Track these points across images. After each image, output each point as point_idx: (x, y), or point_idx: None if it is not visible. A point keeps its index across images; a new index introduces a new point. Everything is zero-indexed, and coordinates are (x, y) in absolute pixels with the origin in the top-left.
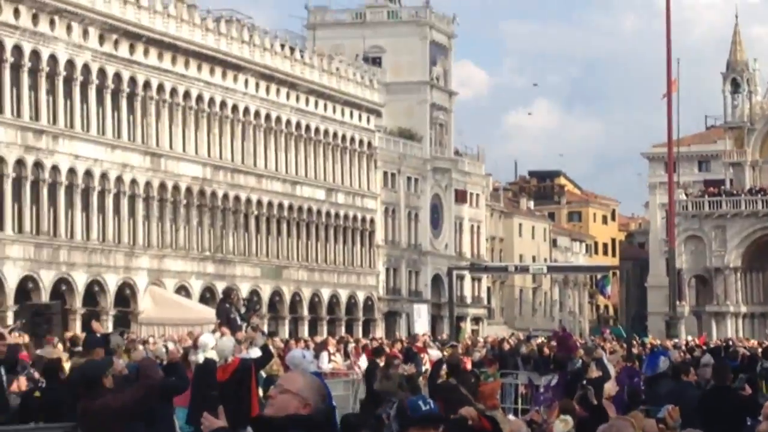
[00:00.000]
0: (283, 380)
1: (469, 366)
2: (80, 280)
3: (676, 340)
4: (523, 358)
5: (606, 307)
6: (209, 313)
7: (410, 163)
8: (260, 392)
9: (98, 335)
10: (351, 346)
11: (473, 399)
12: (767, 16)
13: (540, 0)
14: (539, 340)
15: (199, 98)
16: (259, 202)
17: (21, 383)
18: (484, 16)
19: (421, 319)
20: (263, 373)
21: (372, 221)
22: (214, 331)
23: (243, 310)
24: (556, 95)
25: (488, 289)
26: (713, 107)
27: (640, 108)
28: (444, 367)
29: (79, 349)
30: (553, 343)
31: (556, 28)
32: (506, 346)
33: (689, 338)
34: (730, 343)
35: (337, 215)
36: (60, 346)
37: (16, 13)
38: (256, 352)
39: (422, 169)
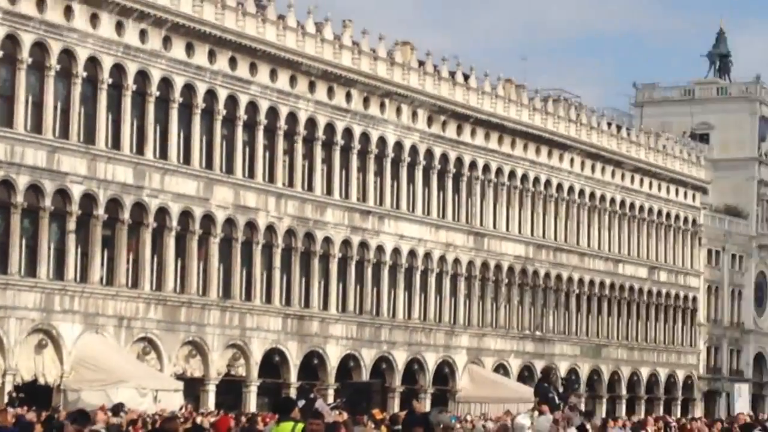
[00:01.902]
0: None
1: None
2: (400, 358)
3: None
4: None
5: None
6: (527, 391)
7: (735, 240)
8: None
9: (418, 414)
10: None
11: None
12: None
13: None
14: None
15: (524, 178)
16: (581, 281)
17: None
18: None
19: (741, 399)
20: None
21: (695, 299)
22: (533, 410)
23: (561, 389)
24: None
25: None
26: None
27: None
28: None
29: (398, 428)
30: None
31: None
32: None
33: None
34: None
35: (659, 293)
36: (371, 424)
37: (348, 96)
38: None
39: (747, 247)
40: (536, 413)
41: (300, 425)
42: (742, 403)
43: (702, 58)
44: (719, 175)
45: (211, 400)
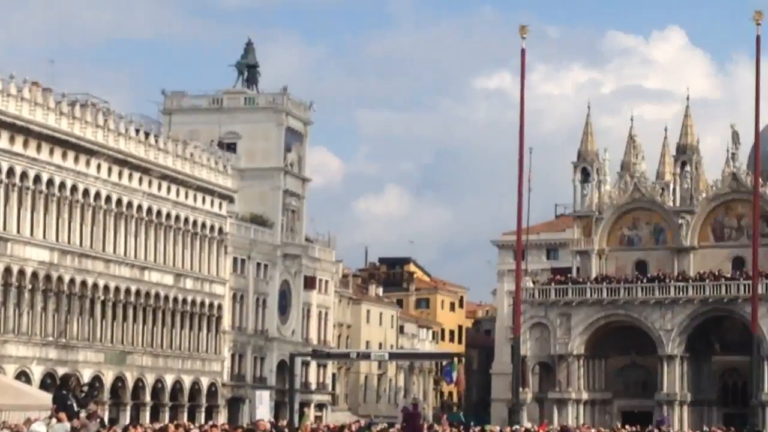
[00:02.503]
0: None
1: None
2: None
3: (517, 427)
4: None
5: (450, 393)
6: (47, 399)
7: (261, 249)
8: None
9: None
10: None
11: None
12: (617, 108)
13: (395, 88)
14: (380, 427)
15: (50, 182)
16: (106, 287)
17: None
18: (341, 103)
19: (262, 405)
20: None
21: (219, 307)
22: (50, 417)
23: (81, 396)
24: (408, 182)
25: (333, 375)
26: (563, 196)
27: (491, 196)
28: None
29: None
30: (397, 426)
31: (410, 116)
32: None
33: (529, 425)
34: (568, 430)
35: (184, 301)
36: None
37: None
38: None
39: (272, 255)
40: (54, 421)
41: None
42: (263, 409)
43: (230, 67)
44: (246, 184)
45: None
